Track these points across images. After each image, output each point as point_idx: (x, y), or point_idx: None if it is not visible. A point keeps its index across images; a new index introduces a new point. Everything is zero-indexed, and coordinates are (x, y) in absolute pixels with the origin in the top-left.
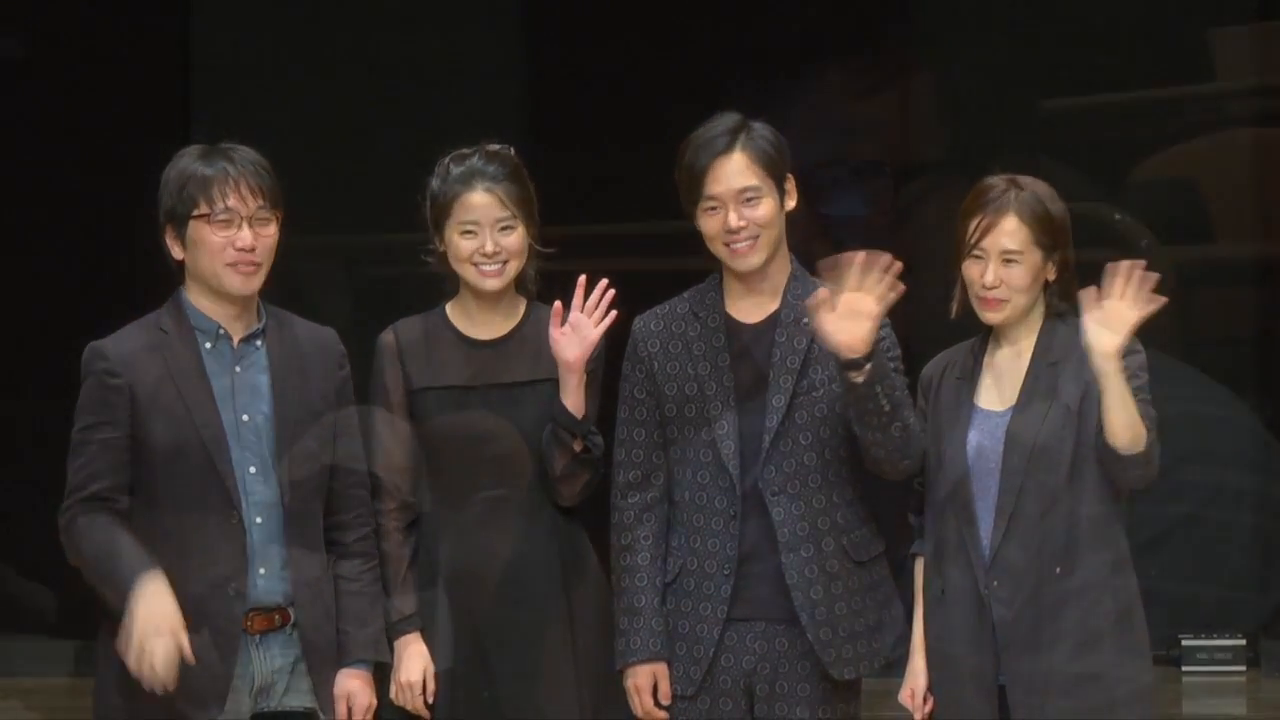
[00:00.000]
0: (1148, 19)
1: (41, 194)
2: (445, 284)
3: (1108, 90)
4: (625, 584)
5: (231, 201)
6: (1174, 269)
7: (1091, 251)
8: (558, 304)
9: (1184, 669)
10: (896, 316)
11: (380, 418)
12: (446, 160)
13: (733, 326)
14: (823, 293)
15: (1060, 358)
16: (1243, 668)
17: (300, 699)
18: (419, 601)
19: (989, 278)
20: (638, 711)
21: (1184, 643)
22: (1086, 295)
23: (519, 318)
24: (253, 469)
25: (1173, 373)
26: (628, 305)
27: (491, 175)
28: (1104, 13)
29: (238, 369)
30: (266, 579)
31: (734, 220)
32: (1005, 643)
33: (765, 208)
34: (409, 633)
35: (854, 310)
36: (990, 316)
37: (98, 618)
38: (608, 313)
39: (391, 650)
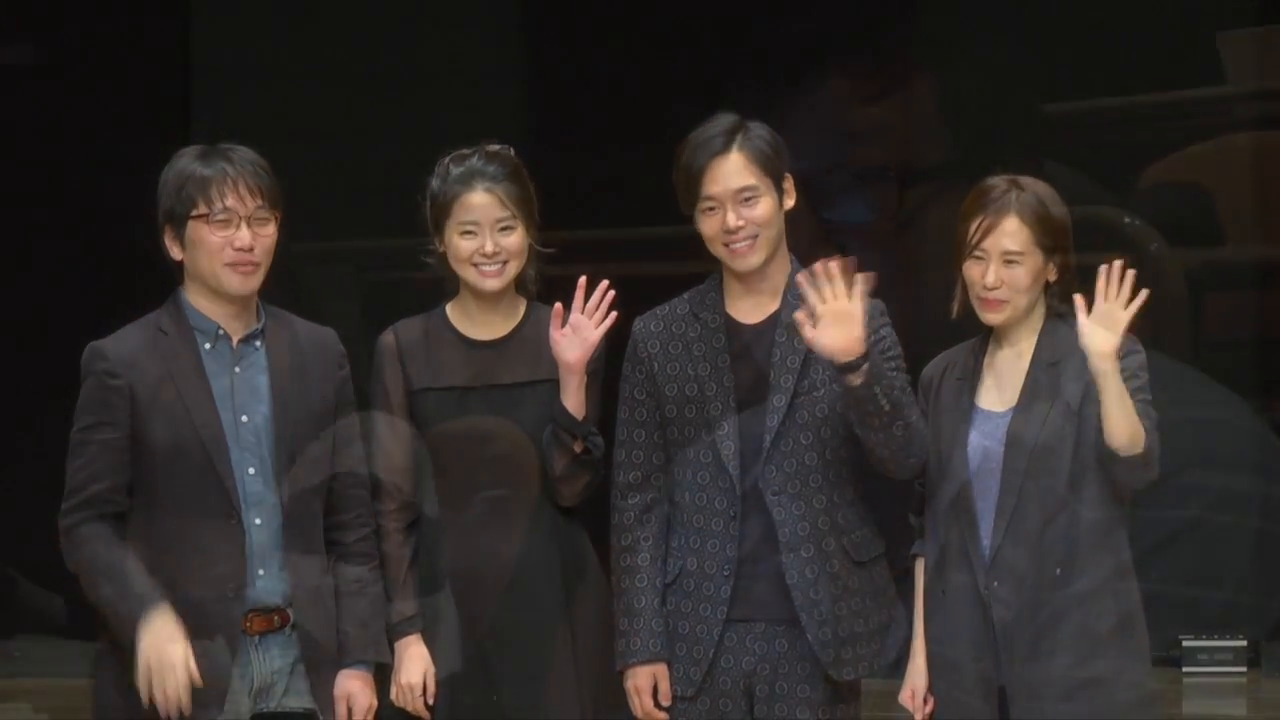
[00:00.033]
0: (1152, 23)
1: (42, 195)
2: (445, 285)
3: (1112, 94)
4: (625, 585)
5: (230, 201)
6: (1183, 272)
7: (1102, 255)
8: (558, 305)
9: (1185, 670)
10: (897, 317)
11: (380, 418)
12: (446, 160)
13: (733, 327)
14: (800, 314)
15: (1061, 358)
16: (1243, 669)
17: (300, 700)
18: (419, 602)
19: (990, 278)
20: (637, 712)
21: (1185, 643)
22: (1079, 301)
23: (519, 318)
24: (252, 470)
25: (1178, 376)
26: (628, 308)
27: (491, 175)
28: (1108, 17)
29: (237, 369)
30: (265, 580)
31: (732, 220)
32: (1006, 644)
33: (763, 207)
34: (409, 634)
35: (838, 315)
36: (991, 317)
37: (98, 619)
38: (608, 314)
39: (392, 651)
